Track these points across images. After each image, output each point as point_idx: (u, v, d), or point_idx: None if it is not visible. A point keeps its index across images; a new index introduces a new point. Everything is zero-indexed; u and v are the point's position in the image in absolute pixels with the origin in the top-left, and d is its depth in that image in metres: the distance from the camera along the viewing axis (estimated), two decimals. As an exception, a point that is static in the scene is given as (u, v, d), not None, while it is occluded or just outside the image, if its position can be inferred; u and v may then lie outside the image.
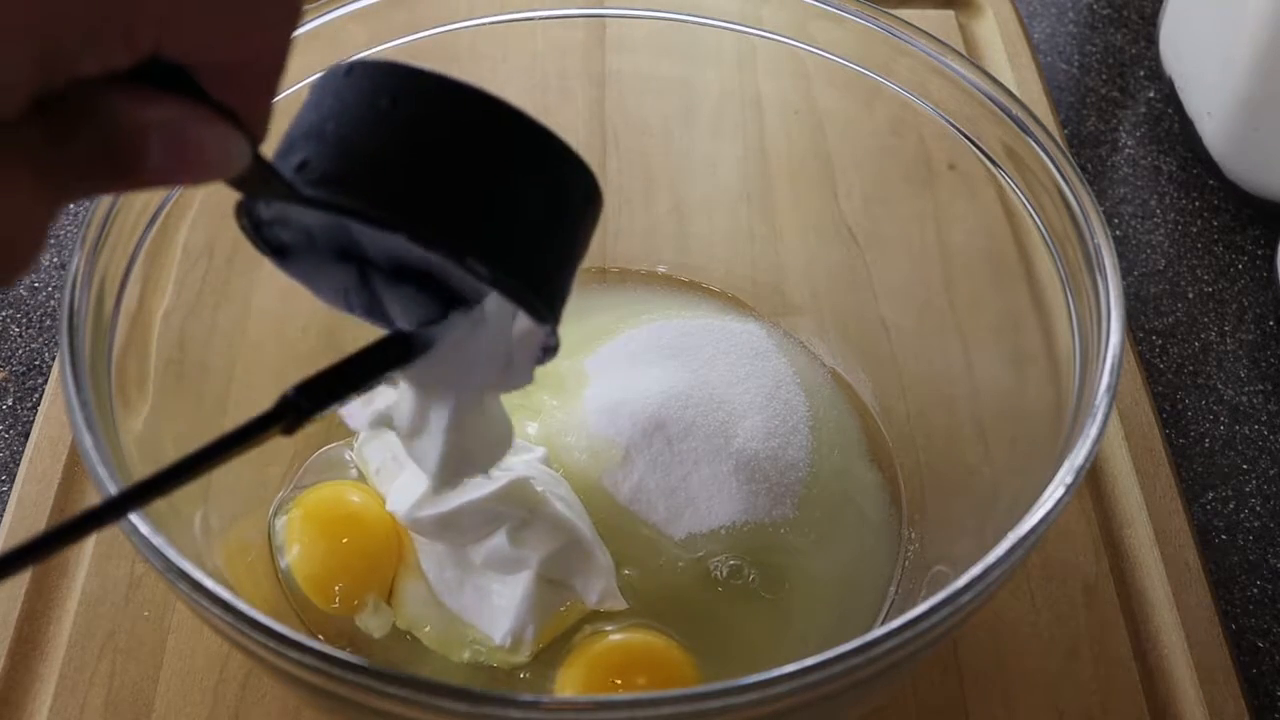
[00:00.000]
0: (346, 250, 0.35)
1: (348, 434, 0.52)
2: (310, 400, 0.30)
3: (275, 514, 0.49)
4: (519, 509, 0.45)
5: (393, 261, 0.34)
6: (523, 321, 0.36)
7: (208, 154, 0.26)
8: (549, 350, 0.36)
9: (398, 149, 0.29)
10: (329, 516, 0.49)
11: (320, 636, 0.47)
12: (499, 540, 0.45)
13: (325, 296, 0.36)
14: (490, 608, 0.46)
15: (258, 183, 0.29)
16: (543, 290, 0.32)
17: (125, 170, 0.25)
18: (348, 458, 0.51)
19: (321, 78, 0.31)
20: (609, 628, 0.46)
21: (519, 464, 0.48)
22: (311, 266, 0.35)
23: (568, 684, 0.45)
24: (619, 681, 0.44)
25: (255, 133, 0.27)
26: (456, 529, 0.45)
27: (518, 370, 0.37)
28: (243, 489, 0.49)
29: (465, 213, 0.30)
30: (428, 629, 0.46)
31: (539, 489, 0.46)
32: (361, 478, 0.50)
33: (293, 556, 0.47)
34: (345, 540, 0.48)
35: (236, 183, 0.29)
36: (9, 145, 0.23)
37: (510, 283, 0.31)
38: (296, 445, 0.52)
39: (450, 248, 0.30)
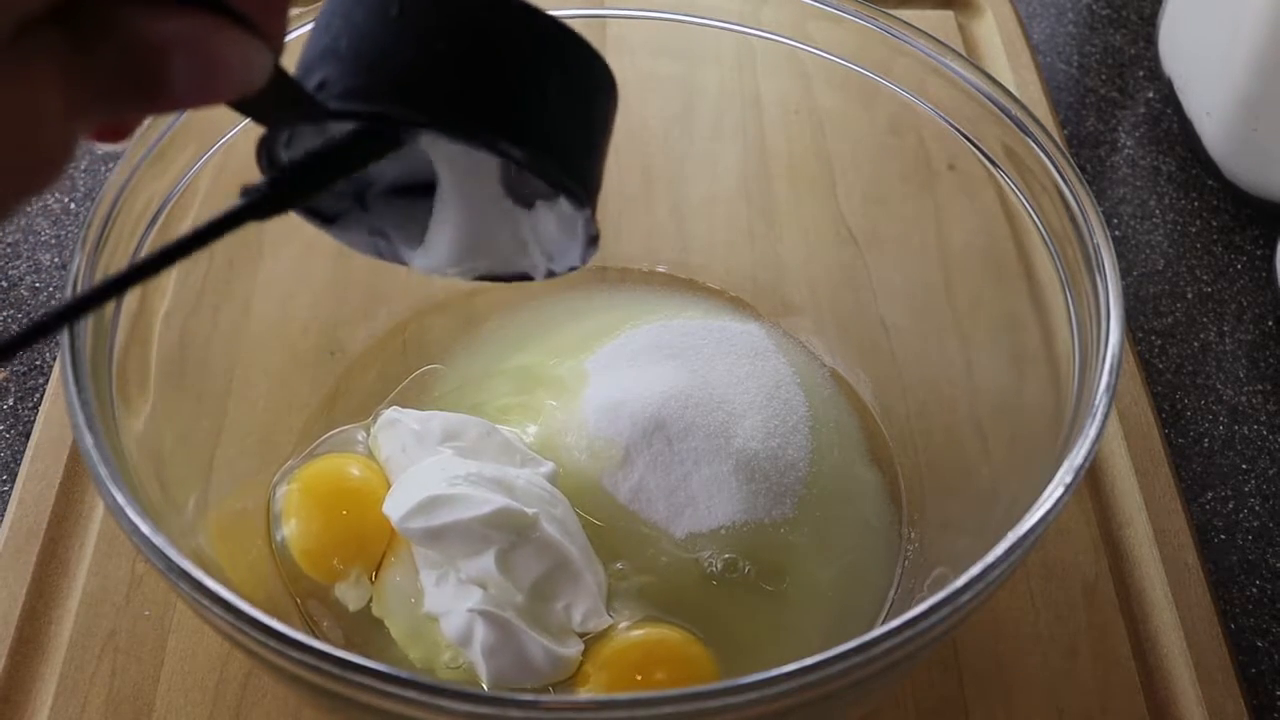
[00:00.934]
0: (362, 192, 0.35)
1: (363, 416, 0.52)
2: (277, 188, 0.30)
3: (278, 482, 0.50)
4: (507, 534, 0.45)
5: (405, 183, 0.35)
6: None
7: (231, 65, 0.25)
8: (592, 240, 0.36)
9: (415, 52, 0.30)
10: (326, 488, 0.49)
11: (298, 600, 0.47)
12: (487, 561, 0.45)
13: (352, 243, 0.36)
14: (462, 635, 0.45)
15: (279, 103, 0.29)
16: (576, 171, 0.32)
17: (149, 90, 0.25)
18: (360, 438, 0.52)
19: (326, 2, 0.31)
20: (624, 625, 0.46)
21: (522, 477, 0.47)
22: (334, 212, 0.35)
23: (586, 680, 0.45)
24: (639, 677, 0.44)
25: (274, 43, 0.27)
26: (444, 543, 0.45)
27: (560, 255, 0.37)
28: (244, 466, 0.49)
29: (492, 103, 0.30)
30: (397, 620, 0.46)
31: (530, 512, 0.45)
32: (371, 458, 0.51)
33: (289, 525, 0.48)
34: (343, 512, 0.48)
35: (256, 107, 0.29)
36: (36, 43, 0.23)
37: (545, 163, 0.31)
38: (303, 424, 0.52)
39: (484, 136, 0.30)
